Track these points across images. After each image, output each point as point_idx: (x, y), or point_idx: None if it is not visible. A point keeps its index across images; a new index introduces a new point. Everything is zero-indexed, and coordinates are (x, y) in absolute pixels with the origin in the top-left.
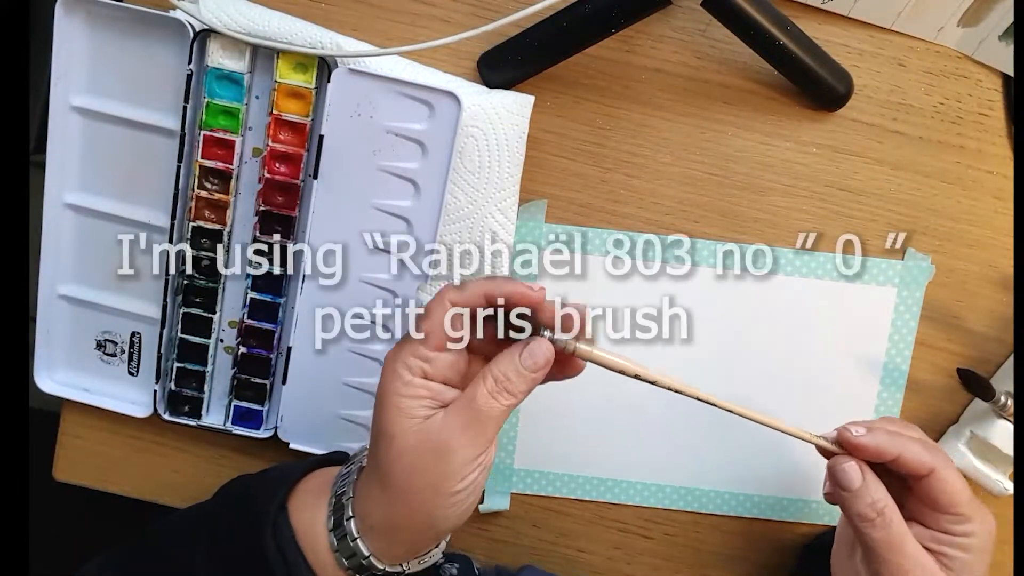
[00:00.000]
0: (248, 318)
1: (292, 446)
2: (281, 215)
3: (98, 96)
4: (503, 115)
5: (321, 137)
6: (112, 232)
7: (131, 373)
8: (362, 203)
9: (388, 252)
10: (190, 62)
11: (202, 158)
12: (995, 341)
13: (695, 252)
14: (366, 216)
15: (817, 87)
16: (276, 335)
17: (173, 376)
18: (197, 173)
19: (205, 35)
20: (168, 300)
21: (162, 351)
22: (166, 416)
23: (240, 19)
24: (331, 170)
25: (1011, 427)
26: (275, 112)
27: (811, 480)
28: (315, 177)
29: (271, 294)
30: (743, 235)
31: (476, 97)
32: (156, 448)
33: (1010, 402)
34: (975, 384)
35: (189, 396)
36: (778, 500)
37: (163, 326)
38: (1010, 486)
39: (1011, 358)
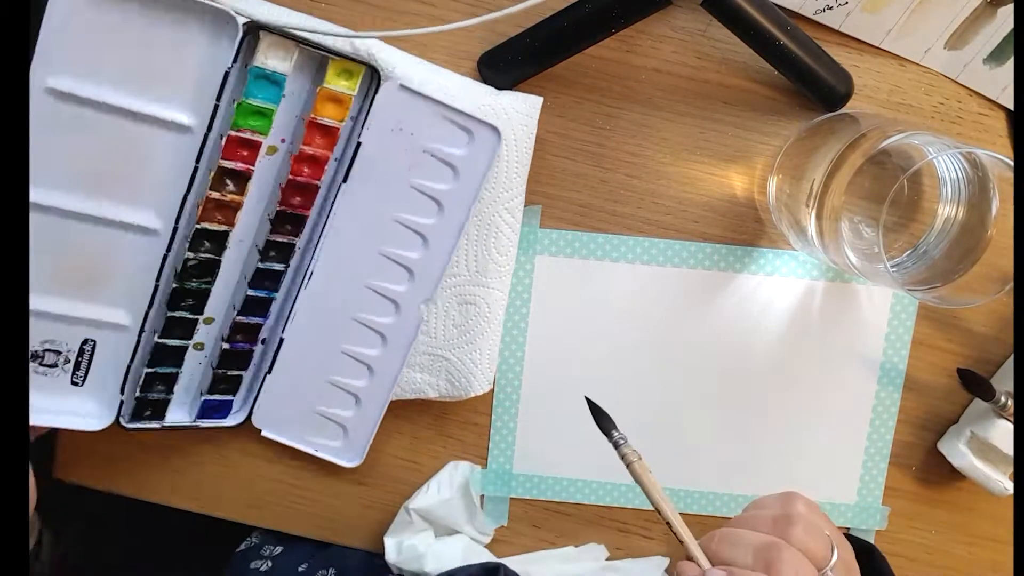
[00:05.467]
0: (239, 315)
1: (264, 433)
2: (295, 215)
3: (86, 79)
4: (512, 115)
5: (359, 144)
6: (77, 232)
7: (75, 383)
8: (384, 214)
9: (400, 265)
10: (235, 60)
11: (223, 159)
12: (995, 341)
13: (693, 252)
14: (385, 227)
15: (817, 87)
16: (262, 327)
17: (140, 383)
18: (214, 174)
19: (253, 32)
20: (152, 306)
21: (135, 357)
22: (128, 425)
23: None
24: (361, 177)
25: (1011, 427)
26: (312, 116)
27: (812, 483)
28: (345, 181)
29: (267, 290)
30: (742, 235)
31: (486, 97)
32: (156, 448)
33: (1010, 402)
34: (975, 384)
35: (153, 400)
36: None
37: (141, 332)
38: (1010, 486)
39: (1011, 358)
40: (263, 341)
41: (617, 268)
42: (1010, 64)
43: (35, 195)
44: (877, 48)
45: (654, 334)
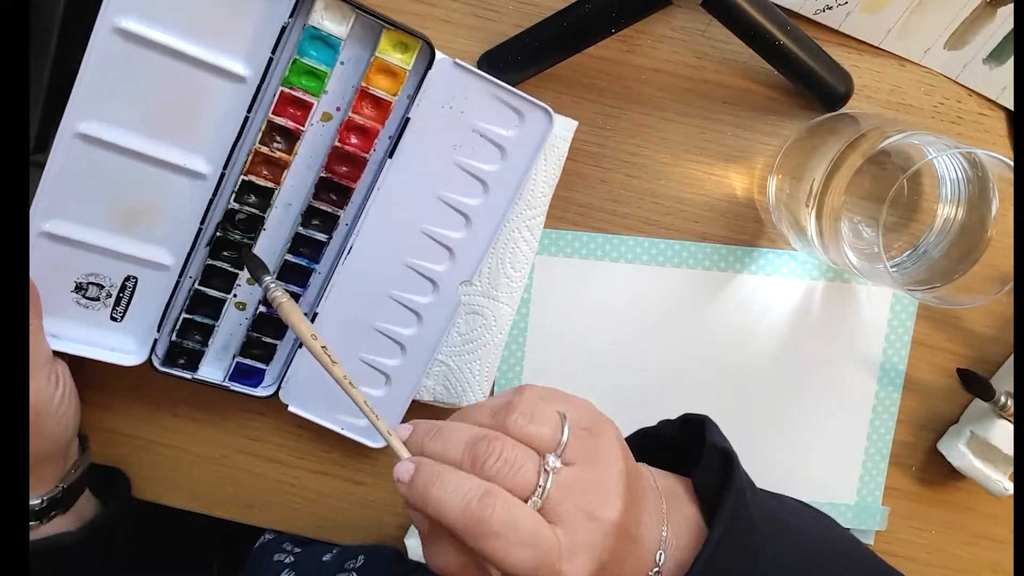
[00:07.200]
0: (278, 279)
1: (291, 408)
2: (340, 184)
3: (152, 22)
4: None
5: (408, 119)
6: (130, 169)
7: (114, 318)
8: (429, 191)
9: (441, 244)
10: (293, 14)
11: (273, 114)
12: (995, 341)
13: (693, 252)
14: (429, 205)
15: (817, 87)
16: (299, 298)
17: (177, 327)
18: (264, 128)
19: None
20: (195, 249)
21: (172, 300)
22: (161, 367)
23: None
24: (408, 153)
25: (1011, 427)
26: (364, 85)
27: (812, 483)
28: (391, 156)
29: (308, 259)
30: (742, 235)
31: None
32: (154, 448)
33: (1010, 402)
34: (975, 384)
35: (188, 348)
36: None
37: (181, 274)
38: (1010, 486)
39: (1011, 358)
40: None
41: (617, 268)
42: (1010, 64)
43: (93, 129)
44: (877, 48)
45: (654, 334)
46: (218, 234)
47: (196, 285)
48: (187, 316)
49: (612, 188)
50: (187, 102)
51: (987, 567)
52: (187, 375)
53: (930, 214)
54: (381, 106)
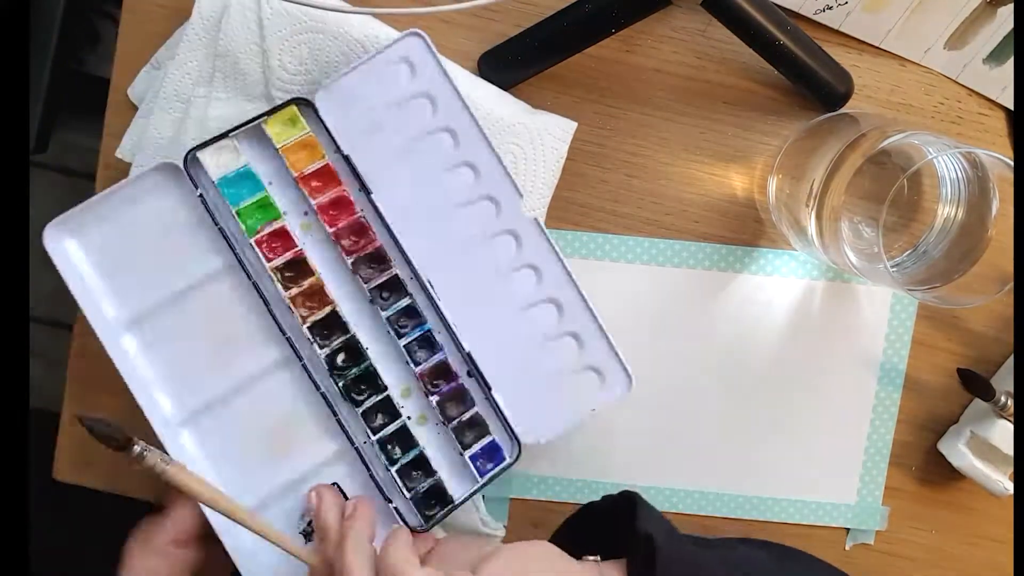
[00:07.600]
0: (415, 366)
1: (543, 442)
2: (368, 253)
3: (133, 295)
4: (544, 137)
5: (347, 157)
6: (242, 406)
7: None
8: (437, 199)
9: (494, 234)
10: (196, 185)
11: (268, 260)
12: (995, 341)
13: (693, 252)
14: (449, 212)
15: (817, 87)
16: (448, 361)
17: (399, 483)
18: (277, 278)
19: (193, 157)
20: (338, 414)
21: (372, 469)
22: (427, 525)
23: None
24: (381, 180)
25: (1011, 427)
26: (296, 174)
27: (812, 483)
28: (371, 193)
29: (417, 326)
30: (742, 235)
31: (521, 116)
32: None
33: (1010, 402)
34: (975, 384)
35: (427, 489)
36: (777, 502)
37: (353, 445)
38: (1010, 486)
39: (1011, 358)
40: (468, 374)
41: (617, 268)
42: (1010, 64)
43: (195, 403)
44: (877, 48)
45: (654, 334)
46: (340, 384)
47: (374, 438)
48: (395, 469)
49: (612, 188)
50: (218, 320)
51: (987, 567)
52: (451, 508)
53: (930, 214)
54: (325, 174)
